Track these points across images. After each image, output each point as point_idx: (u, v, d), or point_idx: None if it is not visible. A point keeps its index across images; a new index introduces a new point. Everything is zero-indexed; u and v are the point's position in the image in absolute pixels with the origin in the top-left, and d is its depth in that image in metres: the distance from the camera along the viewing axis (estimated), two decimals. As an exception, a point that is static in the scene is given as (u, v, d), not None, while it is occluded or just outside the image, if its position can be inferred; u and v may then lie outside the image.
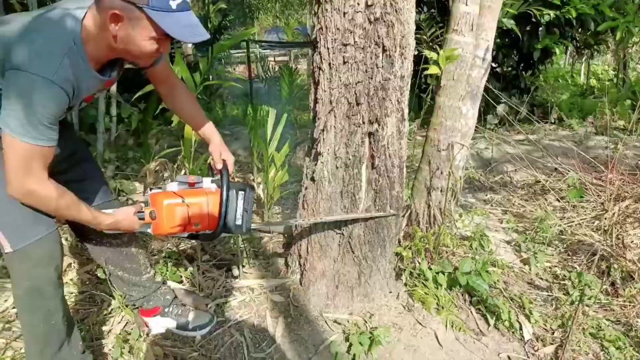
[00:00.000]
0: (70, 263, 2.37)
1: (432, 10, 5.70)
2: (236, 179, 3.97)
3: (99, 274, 1.90)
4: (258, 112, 3.28)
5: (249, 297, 2.19)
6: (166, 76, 1.69)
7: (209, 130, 1.76)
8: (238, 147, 5.26)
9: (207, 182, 1.67)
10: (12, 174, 1.24)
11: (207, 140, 1.76)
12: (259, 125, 3.12)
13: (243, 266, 2.39)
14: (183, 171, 3.14)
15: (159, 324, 1.94)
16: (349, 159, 1.94)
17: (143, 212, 1.54)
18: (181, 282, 2.28)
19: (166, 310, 1.95)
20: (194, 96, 1.80)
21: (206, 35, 1.28)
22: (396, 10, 1.74)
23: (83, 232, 1.71)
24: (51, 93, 1.20)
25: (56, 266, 1.46)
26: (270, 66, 9.75)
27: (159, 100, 3.69)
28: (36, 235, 1.39)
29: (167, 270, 2.29)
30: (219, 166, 1.67)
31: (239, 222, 1.66)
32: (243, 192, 1.67)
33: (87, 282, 2.25)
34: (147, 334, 1.92)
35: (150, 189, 1.62)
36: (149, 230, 1.59)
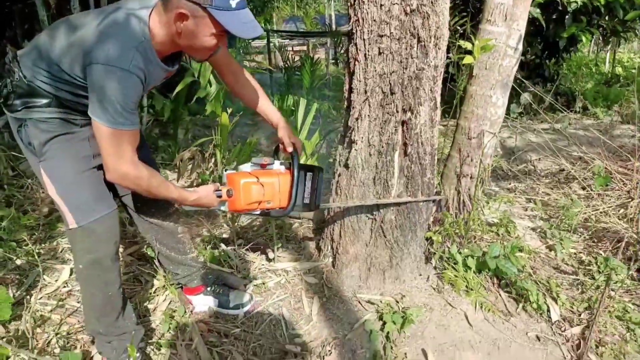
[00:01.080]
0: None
1: (456, -1, 5.67)
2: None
3: (148, 252, 2.02)
4: (284, 102, 3.36)
5: (284, 279, 2.29)
6: (228, 63, 1.79)
7: (276, 116, 1.87)
8: (261, 135, 5.34)
9: (276, 164, 1.82)
10: (108, 160, 1.36)
11: (274, 125, 1.87)
12: (286, 115, 3.21)
13: (278, 248, 2.49)
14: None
15: (202, 302, 2.07)
16: (382, 147, 2.01)
17: (220, 190, 1.66)
18: (219, 264, 2.40)
19: (208, 289, 2.06)
20: (257, 82, 1.88)
21: (261, 31, 1.38)
22: (432, 2, 1.79)
23: (139, 211, 1.82)
24: (129, 81, 1.31)
25: (115, 242, 1.59)
26: (290, 56, 9.78)
27: (188, 90, 3.81)
28: (100, 212, 1.52)
29: (206, 253, 2.41)
30: (290, 149, 1.80)
31: (307, 200, 1.84)
32: (311, 173, 1.84)
33: (131, 263, 2.38)
34: (192, 311, 2.04)
35: (225, 170, 1.77)
36: (223, 208, 1.72)
